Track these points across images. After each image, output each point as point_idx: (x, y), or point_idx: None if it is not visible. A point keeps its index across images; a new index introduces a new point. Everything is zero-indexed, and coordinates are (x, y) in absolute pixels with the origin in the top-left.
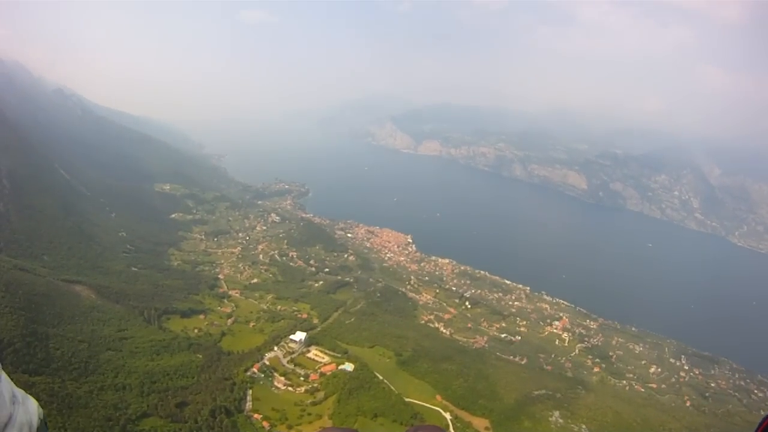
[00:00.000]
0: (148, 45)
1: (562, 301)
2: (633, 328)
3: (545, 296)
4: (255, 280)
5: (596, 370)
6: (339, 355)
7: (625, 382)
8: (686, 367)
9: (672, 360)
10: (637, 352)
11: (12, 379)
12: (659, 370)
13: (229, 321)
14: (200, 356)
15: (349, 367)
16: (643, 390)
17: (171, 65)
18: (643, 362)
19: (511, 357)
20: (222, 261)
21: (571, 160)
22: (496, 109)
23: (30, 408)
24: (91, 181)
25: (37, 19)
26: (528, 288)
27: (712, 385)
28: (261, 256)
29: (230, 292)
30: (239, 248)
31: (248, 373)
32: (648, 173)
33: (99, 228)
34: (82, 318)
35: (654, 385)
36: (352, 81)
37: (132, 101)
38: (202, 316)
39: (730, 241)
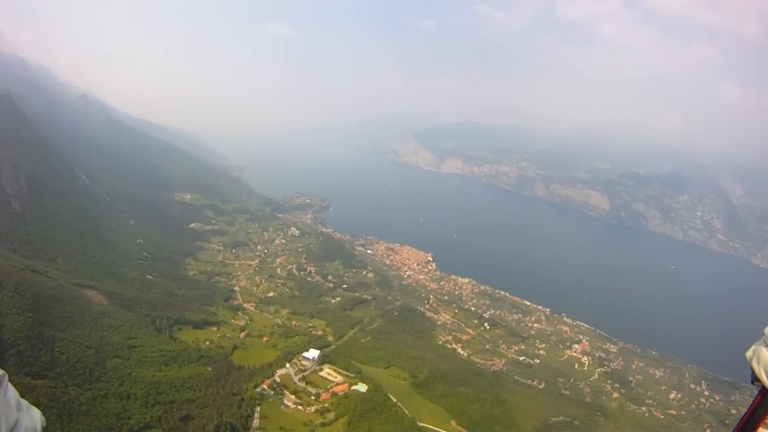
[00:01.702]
0: (173, 56)
1: (582, 324)
2: (654, 352)
3: (565, 318)
4: (271, 294)
5: (615, 395)
6: (352, 375)
7: (644, 408)
8: (707, 393)
9: (692, 386)
10: (657, 377)
11: (13, 381)
12: (679, 395)
13: (242, 334)
14: (210, 369)
15: (362, 387)
16: (662, 417)
17: (194, 77)
18: (663, 388)
19: (529, 381)
20: (239, 273)
21: (593, 179)
22: (518, 128)
23: (34, 416)
24: (110, 187)
25: (66, 25)
26: (548, 310)
27: (733, 411)
28: (278, 269)
29: (245, 305)
30: (257, 261)
31: (258, 390)
32: (670, 193)
33: (116, 234)
34: (91, 323)
35: (674, 412)
36: (376, 97)
37: (156, 110)
38: (214, 328)
39: (753, 262)
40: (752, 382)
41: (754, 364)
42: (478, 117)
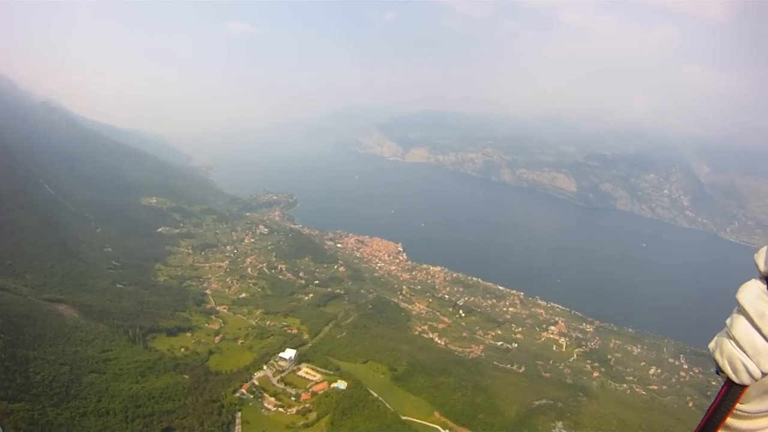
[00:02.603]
0: (134, 59)
1: (556, 305)
2: (630, 330)
3: (539, 301)
4: (243, 295)
5: (596, 374)
6: (331, 373)
7: (625, 385)
8: (686, 366)
9: (671, 360)
10: (635, 353)
11: None
12: (659, 371)
13: (217, 338)
14: (187, 377)
15: (341, 385)
16: (644, 393)
17: (157, 78)
18: (642, 364)
19: (509, 365)
20: (209, 275)
21: (560, 162)
22: (483, 115)
23: None
24: (76, 196)
25: (24, 33)
26: (522, 293)
27: (713, 383)
28: (249, 269)
29: (218, 308)
30: (227, 262)
31: (237, 395)
32: (637, 173)
33: (84, 244)
34: (64, 339)
35: (655, 387)
36: (339, 90)
37: (119, 115)
38: (188, 334)
39: (722, 237)
40: (717, 373)
41: (718, 356)
42: (443, 106)
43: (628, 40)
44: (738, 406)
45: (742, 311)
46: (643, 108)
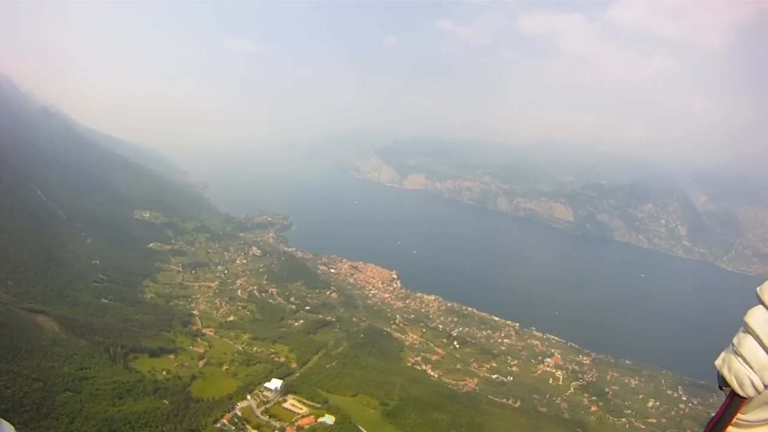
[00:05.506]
0: (135, 71)
1: (552, 337)
2: (627, 361)
3: (535, 332)
4: (231, 318)
5: (593, 408)
6: (318, 406)
7: (624, 419)
8: (684, 398)
9: (669, 392)
10: (633, 386)
11: None
12: (657, 403)
13: (201, 363)
14: (167, 402)
15: (329, 419)
16: (643, 427)
17: (157, 91)
18: (640, 396)
19: (504, 400)
20: (198, 295)
21: (557, 192)
22: (480, 143)
23: (4, 429)
24: (68, 204)
25: (29, 35)
26: (517, 324)
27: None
28: (239, 291)
29: (204, 330)
30: (217, 282)
31: (217, 425)
32: (634, 203)
33: (71, 254)
34: (41, 353)
35: (654, 420)
36: (338, 113)
37: (117, 124)
38: (172, 356)
39: (719, 266)
40: (720, 388)
41: (725, 372)
42: (440, 133)
43: (626, 69)
44: (739, 415)
45: (750, 331)
46: (640, 137)
